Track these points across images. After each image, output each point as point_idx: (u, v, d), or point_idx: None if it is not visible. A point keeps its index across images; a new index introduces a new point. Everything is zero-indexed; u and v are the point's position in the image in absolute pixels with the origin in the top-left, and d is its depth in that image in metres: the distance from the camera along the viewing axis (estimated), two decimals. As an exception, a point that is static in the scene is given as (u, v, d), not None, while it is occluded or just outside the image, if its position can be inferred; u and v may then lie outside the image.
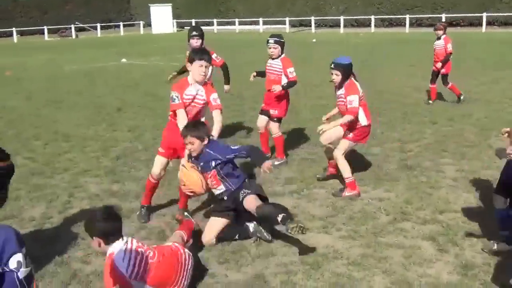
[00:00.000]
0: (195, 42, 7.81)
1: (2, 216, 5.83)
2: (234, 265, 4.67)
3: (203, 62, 5.30)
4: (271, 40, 7.24)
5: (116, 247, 3.82)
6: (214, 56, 7.90)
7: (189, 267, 4.23)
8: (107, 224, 3.81)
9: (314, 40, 32.04)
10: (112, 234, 3.83)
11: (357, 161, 7.44)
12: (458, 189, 6.29)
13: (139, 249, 3.91)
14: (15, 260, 2.29)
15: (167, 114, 7.45)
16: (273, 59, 7.32)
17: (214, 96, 5.39)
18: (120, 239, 3.88)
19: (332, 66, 6.16)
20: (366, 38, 33.57)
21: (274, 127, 7.54)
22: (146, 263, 3.90)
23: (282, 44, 7.26)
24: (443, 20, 36.90)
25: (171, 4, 52.32)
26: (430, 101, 11.38)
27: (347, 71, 6.17)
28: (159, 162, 5.71)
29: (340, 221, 5.48)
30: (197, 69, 5.31)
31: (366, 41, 30.66)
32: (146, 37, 44.38)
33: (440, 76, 11.31)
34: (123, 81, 16.71)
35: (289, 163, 7.54)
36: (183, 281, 4.13)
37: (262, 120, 7.60)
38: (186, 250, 4.37)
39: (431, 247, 4.88)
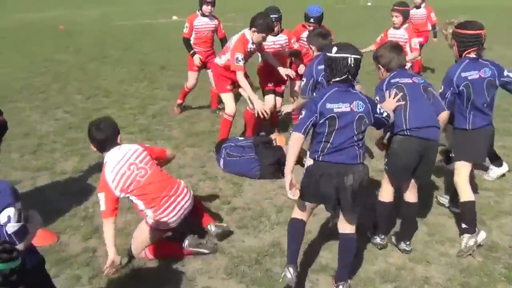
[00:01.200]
0: (209, 9, 7.73)
1: (36, 168, 6.03)
2: (253, 231, 4.67)
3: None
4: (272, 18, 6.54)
5: (109, 157, 4.05)
6: (221, 25, 8.01)
7: (185, 205, 4.19)
8: (99, 133, 4.05)
9: (369, 4, 31.05)
10: (103, 143, 4.08)
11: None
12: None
13: (132, 166, 4.04)
14: (6, 214, 2.31)
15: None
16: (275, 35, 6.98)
17: None
18: (116, 148, 4.08)
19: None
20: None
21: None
22: (133, 180, 4.01)
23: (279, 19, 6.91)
24: None
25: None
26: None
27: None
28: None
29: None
30: None
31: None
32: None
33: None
34: (171, 39, 16.72)
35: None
36: (175, 212, 4.11)
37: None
38: (190, 190, 4.38)
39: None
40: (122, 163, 4.04)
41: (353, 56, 3.48)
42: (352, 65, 3.47)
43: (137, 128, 7.53)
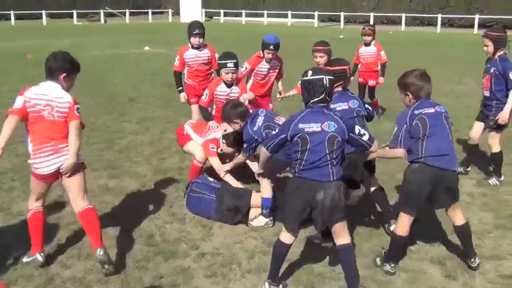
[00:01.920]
0: (197, 41, 7.38)
1: (-9, 208, 5.62)
2: (222, 280, 4.34)
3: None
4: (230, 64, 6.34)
5: (44, 85, 4.37)
6: (216, 56, 7.52)
7: (58, 163, 4.35)
8: (49, 62, 4.41)
9: (341, 36, 31.40)
10: (48, 71, 4.37)
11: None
12: (473, 206, 5.86)
13: (47, 107, 4.28)
14: None
15: (180, 106, 7.30)
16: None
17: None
18: (53, 83, 4.39)
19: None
20: (395, 36, 32.80)
21: None
22: (38, 112, 4.29)
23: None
24: (476, 21, 36.06)
25: (200, -7, 52.01)
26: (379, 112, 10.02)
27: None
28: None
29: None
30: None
31: (394, 39, 29.92)
32: (173, 25, 44.07)
33: (367, 88, 10.12)
34: (142, 69, 16.49)
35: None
36: (46, 160, 4.30)
37: None
38: None
39: (438, 272, 4.48)
40: (42, 97, 4.26)
41: (327, 77, 3.79)
42: (328, 85, 3.78)
43: (103, 164, 7.18)
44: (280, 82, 7.66)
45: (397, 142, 4.27)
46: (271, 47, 6.98)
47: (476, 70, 7.90)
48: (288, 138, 3.81)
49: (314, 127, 3.75)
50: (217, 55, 7.55)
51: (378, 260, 4.54)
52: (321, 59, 5.98)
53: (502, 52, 6.21)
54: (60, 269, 4.47)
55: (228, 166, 5.77)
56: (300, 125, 3.77)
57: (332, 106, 4.41)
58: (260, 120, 5.26)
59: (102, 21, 47.64)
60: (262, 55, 7.12)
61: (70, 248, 4.81)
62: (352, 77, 7.10)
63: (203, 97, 6.47)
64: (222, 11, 50.75)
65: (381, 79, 10.09)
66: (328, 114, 3.81)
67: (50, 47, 23.07)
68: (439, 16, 38.10)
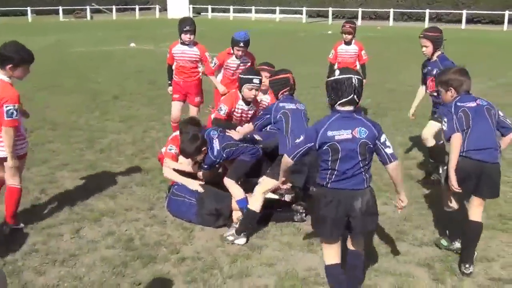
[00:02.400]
0: (188, 38, 7.20)
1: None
2: (202, 286, 4.16)
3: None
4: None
5: None
6: (207, 54, 7.43)
7: None
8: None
9: (329, 32, 31.27)
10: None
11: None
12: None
13: None
14: None
15: (164, 104, 7.15)
16: None
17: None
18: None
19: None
20: (383, 31, 32.75)
21: None
22: None
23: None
24: (464, 16, 36.09)
25: (188, -12, 51.67)
26: None
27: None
28: None
29: (328, 238, 4.94)
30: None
31: (383, 35, 29.88)
32: (160, 21, 43.73)
33: None
34: (127, 66, 16.24)
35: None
36: None
37: None
38: None
39: (426, 275, 4.34)
40: None
41: (356, 76, 3.51)
42: (357, 84, 3.50)
43: (83, 164, 6.97)
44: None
45: (453, 129, 4.30)
46: (241, 44, 6.91)
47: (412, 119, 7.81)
48: (316, 146, 3.51)
49: (345, 134, 3.45)
50: (207, 54, 7.39)
51: (444, 241, 4.70)
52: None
53: (440, 52, 6.13)
54: (34, 275, 4.27)
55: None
56: (329, 133, 3.46)
57: (280, 104, 4.92)
58: (216, 144, 5.28)
59: (89, 17, 47.22)
60: (232, 51, 7.07)
61: (45, 254, 4.61)
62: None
63: (220, 111, 5.85)
64: (209, 7, 50.47)
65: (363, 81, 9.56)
66: (358, 119, 3.53)
67: (34, 44, 22.68)
68: (427, 11, 38.10)
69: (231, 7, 48.70)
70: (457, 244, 4.63)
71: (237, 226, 4.94)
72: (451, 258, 4.54)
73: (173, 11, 50.05)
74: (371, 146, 3.51)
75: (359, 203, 3.52)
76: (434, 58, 6.15)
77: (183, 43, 7.28)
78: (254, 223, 4.95)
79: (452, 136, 4.29)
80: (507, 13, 34.49)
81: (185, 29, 7.15)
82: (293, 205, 5.38)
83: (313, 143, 3.53)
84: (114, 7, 49.44)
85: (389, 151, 3.58)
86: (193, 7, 52.00)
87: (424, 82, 6.52)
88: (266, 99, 6.42)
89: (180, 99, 7.51)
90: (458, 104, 4.37)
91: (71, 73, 14.78)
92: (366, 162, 3.53)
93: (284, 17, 46.07)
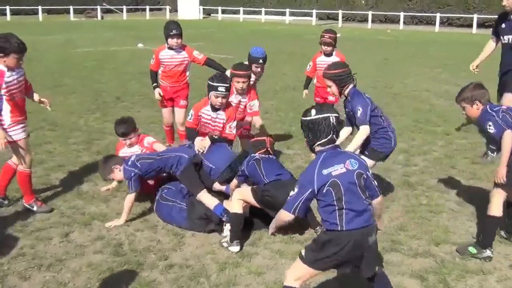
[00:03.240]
0: (175, 42, 7.05)
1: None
2: (188, 294, 4.08)
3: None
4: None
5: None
6: (195, 53, 7.31)
7: None
8: None
9: (339, 35, 31.14)
10: None
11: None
12: (461, 215, 5.58)
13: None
14: None
15: (156, 97, 7.12)
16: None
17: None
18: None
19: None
20: (393, 35, 32.55)
21: None
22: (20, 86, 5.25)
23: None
24: (475, 20, 35.75)
25: (199, -10, 51.77)
26: None
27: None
28: None
29: (321, 246, 4.83)
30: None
31: (392, 38, 29.68)
32: (170, 22, 43.85)
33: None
34: (132, 67, 16.20)
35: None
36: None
37: None
38: None
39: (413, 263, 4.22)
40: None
41: (333, 115, 3.43)
42: (335, 123, 3.43)
43: (79, 167, 6.92)
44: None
45: (502, 128, 4.46)
46: (260, 61, 6.75)
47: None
48: (315, 191, 3.30)
49: (339, 168, 3.31)
50: (195, 53, 7.29)
51: (472, 249, 4.66)
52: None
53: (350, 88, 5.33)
54: (18, 280, 4.21)
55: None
56: (325, 171, 3.30)
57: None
58: (132, 157, 5.41)
59: (99, 17, 47.39)
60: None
61: (31, 258, 4.55)
62: (306, 90, 8.15)
63: (188, 117, 6.02)
64: (220, 8, 50.51)
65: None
66: (345, 152, 3.47)
67: (43, 43, 22.86)
68: (438, 15, 37.83)
69: (241, 9, 48.68)
70: (488, 253, 4.63)
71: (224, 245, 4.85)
72: (446, 271, 4.41)
73: (184, 12, 50.17)
74: (365, 176, 3.39)
75: (373, 238, 3.38)
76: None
77: (170, 48, 7.13)
78: (240, 225, 4.85)
79: (504, 133, 4.44)
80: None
81: (171, 33, 6.98)
82: None
83: (311, 189, 3.30)
84: (124, 7, 49.61)
85: (375, 183, 3.50)
86: (203, 8, 52.10)
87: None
88: (244, 101, 6.40)
89: (169, 105, 7.47)
90: (494, 109, 4.60)
91: (76, 73, 14.77)
92: (367, 194, 3.39)
93: (294, 19, 45.97)
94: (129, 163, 5.31)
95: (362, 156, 5.00)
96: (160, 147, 6.03)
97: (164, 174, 5.53)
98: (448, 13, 39.62)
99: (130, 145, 6.00)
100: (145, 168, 5.28)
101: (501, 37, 7.05)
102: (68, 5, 47.20)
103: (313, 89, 8.35)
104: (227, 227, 4.90)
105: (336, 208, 3.29)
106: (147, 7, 51.53)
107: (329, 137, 3.40)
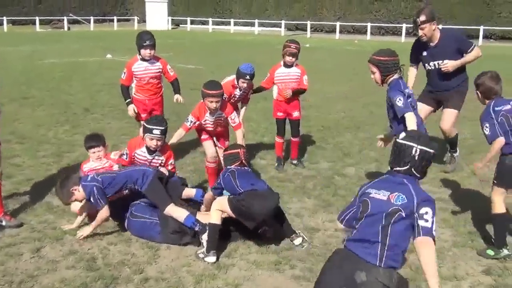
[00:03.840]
0: (148, 53, 6.91)
1: None
2: (164, 308, 4.03)
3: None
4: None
5: None
6: (169, 67, 7.27)
7: None
8: None
9: (307, 45, 31.44)
10: None
11: (326, 182, 6.86)
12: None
13: None
14: None
15: (130, 114, 6.99)
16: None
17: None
18: None
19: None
20: (360, 45, 33.03)
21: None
22: None
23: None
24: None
25: (167, 1, 51.62)
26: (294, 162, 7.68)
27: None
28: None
29: (297, 257, 4.84)
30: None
31: (360, 49, 30.12)
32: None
33: (290, 123, 7.52)
34: (101, 78, 16.03)
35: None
36: None
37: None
38: None
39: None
40: None
41: (419, 147, 3.23)
42: (417, 157, 3.24)
43: (49, 180, 6.77)
44: (244, 108, 7.44)
45: (496, 134, 4.67)
46: (247, 77, 6.73)
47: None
48: (357, 201, 3.34)
49: (381, 194, 3.20)
50: (169, 67, 7.25)
51: (490, 252, 4.81)
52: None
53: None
54: (-13, 299, 4.10)
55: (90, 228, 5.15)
56: (369, 190, 3.28)
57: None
58: (91, 174, 5.30)
59: (66, 28, 46.76)
60: (236, 82, 6.87)
61: (1, 275, 4.41)
62: (249, 97, 7.53)
63: (124, 157, 5.81)
64: (189, 19, 50.46)
65: (288, 92, 7.24)
66: (405, 184, 3.22)
67: (8, 55, 22.42)
68: (404, 25, 38.57)
69: (210, 20, 48.75)
70: (505, 252, 4.78)
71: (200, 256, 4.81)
72: (420, 277, 4.47)
73: (152, 22, 49.93)
74: (403, 215, 3.11)
75: (363, 277, 3.02)
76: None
77: (143, 59, 6.99)
78: (217, 236, 4.82)
79: (496, 140, 4.68)
80: (482, 28, 35.11)
81: (144, 44, 6.84)
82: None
83: (356, 198, 3.38)
84: (92, 18, 49.09)
85: (422, 224, 3.09)
86: (172, 19, 51.97)
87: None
88: (222, 115, 6.27)
89: (147, 117, 7.33)
90: (496, 108, 4.73)
91: (43, 85, 14.52)
92: (389, 235, 3.09)
93: (263, 30, 46.27)
94: (89, 178, 5.13)
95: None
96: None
97: (126, 191, 5.33)
98: (414, 24, 40.38)
99: (98, 159, 5.84)
100: (107, 181, 5.10)
101: (425, 64, 7.20)
102: (34, 16, 46.47)
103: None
104: (204, 237, 4.86)
105: (355, 225, 3.28)
106: (115, 18, 51.10)
107: (405, 168, 3.27)
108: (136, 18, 52.50)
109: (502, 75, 5.10)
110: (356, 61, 22.55)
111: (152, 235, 5.09)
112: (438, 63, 7.01)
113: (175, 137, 6.13)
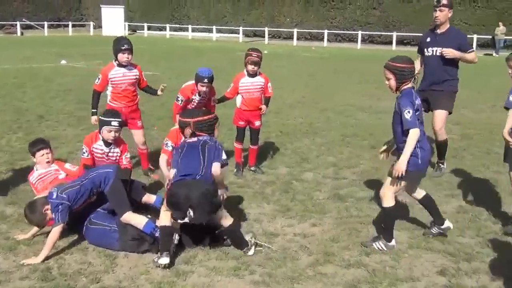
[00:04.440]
0: (126, 57, 6.77)
1: None
2: (122, 317, 3.96)
3: None
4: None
5: None
6: (143, 74, 7.20)
7: None
8: None
9: (265, 52, 31.61)
10: None
11: (285, 187, 6.90)
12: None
13: None
14: None
15: (92, 124, 6.82)
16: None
17: None
18: None
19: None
20: (318, 51, 33.45)
21: None
22: None
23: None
24: (394, 38, 37.43)
25: (123, 6, 51.06)
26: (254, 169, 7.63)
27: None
28: None
29: (256, 262, 4.84)
30: None
31: (317, 55, 30.50)
32: (95, 38, 42.92)
33: (250, 132, 7.58)
34: (56, 85, 15.71)
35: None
36: None
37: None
38: None
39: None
40: None
41: None
42: None
43: (2, 189, 6.57)
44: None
45: None
46: (205, 80, 6.66)
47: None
48: None
49: None
50: (143, 74, 7.18)
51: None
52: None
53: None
54: None
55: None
56: None
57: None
58: (53, 191, 5.03)
59: (19, 33, 45.66)
60: (196, 87, 6.79)
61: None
62: (214, 104, 7.29)
63: (85, 155, 5.88)
64: (146, 24, 50.02)
65: (263, 108, 7.45)
66: None
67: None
68: (360, 33, 39.33)
69: (168, 25, 48.45)
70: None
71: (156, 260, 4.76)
72: (377, 280, 4.54)
73: (108, 28, 49.28)
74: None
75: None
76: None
77: (120, 65, 6.83)
78: (170, 237, 4.78)
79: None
80: (434, 35, 36.10)
81: (123, 48, 6.68)
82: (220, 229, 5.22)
83: None
84: (46, 23, 48.11)
85: None
86: (128, 25, 51.42)
87: None
88: None
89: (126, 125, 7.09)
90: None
91: (-5, 91, 14.12)
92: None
93: (221, 36, 46.30)
94: (54, 196, 4.98)
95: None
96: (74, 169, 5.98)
97: (94, 197, 5.23)
98: (369, 31, 41.24)
99: (48, 163, 5.72)
100: (72, 196, 4.97)
101: (425, 50, 7.44)
102: (-15, 21, 45.27)
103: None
104: (160, 261, 4.81)
105: None
106: (70, 23, 50.24)
107: None
108: (91, 23, 51.76)
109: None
110: (313, 67, 22.87)
111: (111, 242, 5.01)
112: (437, 50, 7.25)
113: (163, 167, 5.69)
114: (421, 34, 7.98)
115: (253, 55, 7.09)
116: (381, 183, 7.09)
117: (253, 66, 7.10)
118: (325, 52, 32.32)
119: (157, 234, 4.91)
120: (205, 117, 5.15)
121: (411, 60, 5.01)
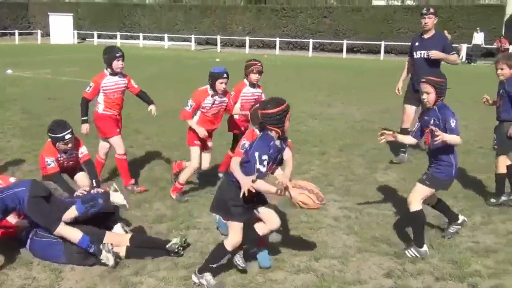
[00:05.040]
0: (121, 64, 6.74)
1: None
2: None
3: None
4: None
5: None
6: (133, 82, 7.11)
7: None
8: None
9: (217, 60, 31.66)
10: None
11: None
12: (338, 230, 5.87)
13: None
14: None
15: (39, 134, 6.60)
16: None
17: None
18: None
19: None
20: (270, 59, 33.66)
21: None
22: None
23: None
24: (345, 46, 38.13)
25: (72, 14, 50.07)
26: None
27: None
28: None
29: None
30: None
31: (269, 63, 30.69)
32: (43, 47, 41.80)
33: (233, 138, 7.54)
34: (2, 95, 15.24)
35: (162, 199, 6.83)
36: None
37: None
38: None
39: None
40: None
41: None
42: None
43: None
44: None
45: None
46: (225, 75, 6.46)
47: (344, 94, 8.11)
48: None
49: None
50: (133, 82, 7.10)
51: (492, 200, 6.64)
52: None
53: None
54: None
55: None
56: None
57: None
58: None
59: (-38, 42, 44.10)
60: (209, 90, 6.57)
61: None
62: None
63: (52, 164, 5.82)
64: (95, 33, 49.16)
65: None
66: None
67: None
68: (311, 41, 39.82)
69: (118, 34, 47.78)
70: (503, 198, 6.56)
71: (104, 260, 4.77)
72: (326, 284, 4.61)
73: (56, 37, 48.17)
74: None
75: None
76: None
77: (112, 74, 6.77)
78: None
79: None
80: (383, 43, 36.96)
81: (117, 55, 6.66)
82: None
83: None
84: (-10, 32, 46.63)
85: None
86: (77, 33, 50.44)
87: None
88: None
89: (120, 133, 7.04)
90: None
91: None
92: None
93: (173, 44, 46.01)
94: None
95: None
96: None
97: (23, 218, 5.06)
98: (320, 39, 41.83)
99: None
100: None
101: (413, 53, 8.55)
102: None
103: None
104: (104, 257, 4.75)
105: None
106: (16, 32, 48.79)
107: None
108: (39, 31, 50.40)
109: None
110: (265, 75, 22.81)
111: (57, 255, 4.89)
112: (424, 53, 8.32)
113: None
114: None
115: (257, 64, 7.07)
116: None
117: (258, 75, 7.11)
118: (277, 60, 32.56)
119: (91, 250, 4.81)
120: (275, 110, 4.45)
121: (445, 75, 5.56)
